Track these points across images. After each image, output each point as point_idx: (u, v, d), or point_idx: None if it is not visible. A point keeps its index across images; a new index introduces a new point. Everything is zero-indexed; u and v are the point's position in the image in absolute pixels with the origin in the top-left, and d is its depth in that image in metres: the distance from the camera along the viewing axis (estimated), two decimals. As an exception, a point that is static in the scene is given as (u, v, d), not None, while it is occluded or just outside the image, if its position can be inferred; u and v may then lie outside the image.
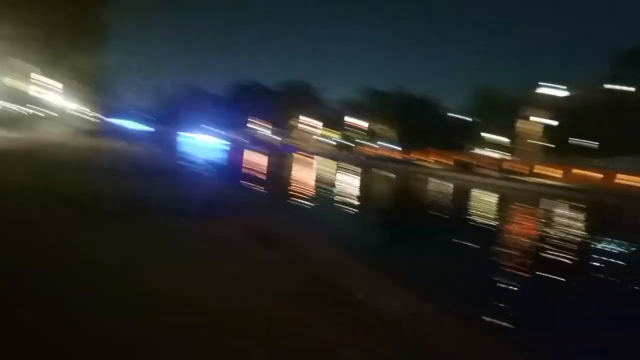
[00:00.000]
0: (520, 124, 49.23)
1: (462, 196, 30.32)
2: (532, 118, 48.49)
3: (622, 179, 45.23)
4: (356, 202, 19.37)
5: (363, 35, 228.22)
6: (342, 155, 68.29)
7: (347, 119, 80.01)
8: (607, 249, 13.16)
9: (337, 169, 41.52)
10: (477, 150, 66.17)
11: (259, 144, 74.67)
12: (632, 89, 38.72)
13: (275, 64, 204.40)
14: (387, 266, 6.45)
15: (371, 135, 74.86)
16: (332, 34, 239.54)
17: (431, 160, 59.16)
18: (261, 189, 19.37)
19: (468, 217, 17.63)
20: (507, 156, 55.86)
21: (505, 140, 58.73)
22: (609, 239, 14.63)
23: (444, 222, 16.26)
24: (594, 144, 40.43)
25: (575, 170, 47.60)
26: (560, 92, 48.41)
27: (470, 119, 61.03)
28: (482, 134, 60.14)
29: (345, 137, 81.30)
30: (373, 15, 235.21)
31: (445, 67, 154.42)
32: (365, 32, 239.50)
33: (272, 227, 7.53)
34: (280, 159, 47.93)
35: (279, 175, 30.06)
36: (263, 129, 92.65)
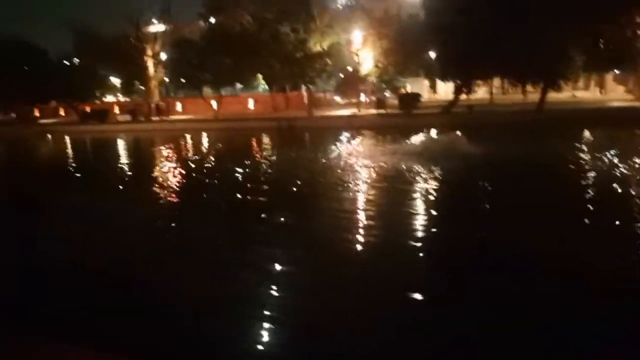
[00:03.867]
0: (148, 64, 47.41)
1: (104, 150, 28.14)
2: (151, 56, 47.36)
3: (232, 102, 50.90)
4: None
5: None
6: None
7: None
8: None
9: None
10: (109, 98, 61.39)
11: None
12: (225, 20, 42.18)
13: None
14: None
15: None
16: None
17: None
18: None
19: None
20: (139, 99, 53.90)
21: (121, 82, 56.22)
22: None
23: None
24: (208, 76, 43.04)
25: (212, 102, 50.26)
26: (163, 26, 48.59)
27: (78, 63, 54.64)
28: (111, 78, 55.58)
29: None
30: None
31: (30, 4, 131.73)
32: None
33: None
34: None
35: None
36: None
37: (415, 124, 26.84)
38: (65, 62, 51.56)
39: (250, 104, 50.50)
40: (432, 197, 10.32)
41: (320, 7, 40.95)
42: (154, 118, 44.25)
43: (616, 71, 42.67)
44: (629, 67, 33.49)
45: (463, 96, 31.50)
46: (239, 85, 56.39)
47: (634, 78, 35.23)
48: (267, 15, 41.13)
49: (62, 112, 58.62)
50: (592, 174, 11.89)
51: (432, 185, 11.41)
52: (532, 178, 11.91)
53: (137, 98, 57.01)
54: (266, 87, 52.94)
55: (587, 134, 19.97)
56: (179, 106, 52.45)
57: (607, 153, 14.19)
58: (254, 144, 25.45)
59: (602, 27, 23.64)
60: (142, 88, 55.22)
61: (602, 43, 26.31)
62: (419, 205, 9.80)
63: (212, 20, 44.09)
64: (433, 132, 19.84)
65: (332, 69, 44.95)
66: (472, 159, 13.97)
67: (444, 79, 31.27)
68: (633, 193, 9.79)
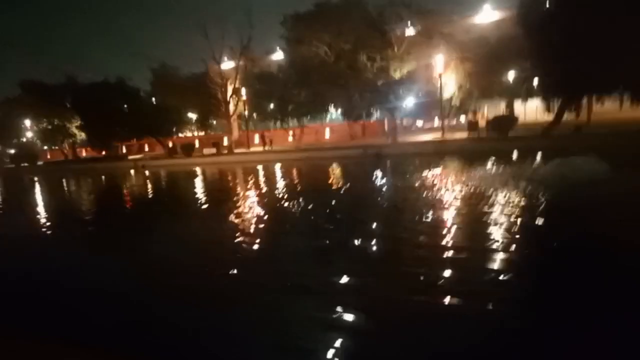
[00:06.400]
0: (229, 99, 49.52)
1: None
2: (229, 92, 49.27)
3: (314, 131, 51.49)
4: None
5: None
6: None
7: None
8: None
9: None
10: (188, 133, 64.57)
11: None
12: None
13: None
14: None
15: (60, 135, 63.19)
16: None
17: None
18: None
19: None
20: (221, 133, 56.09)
21: (197, 117, 58.87)
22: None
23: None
24: (291, 108, 44.14)
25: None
26: (242, 62, 50.33)
27: (156, 101, 57.81)
28: (189, 114, 58.60)
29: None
30: None
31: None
32: None
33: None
34: None
35: None
36: None
37: (515, 148, 25.76)
38: (152, 100, 54.80)
39: (327, 134, 51.02)
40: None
41: (397, 34, 41.12)
42: (267, 148, 44.69)
43: None
44: None
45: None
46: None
47: None
48: (344, 46, 41.77)
49: (146, 148, 61.87)
50: None
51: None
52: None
53: (212, 132, 59.32)
54: (334, 116, 53.48)
55: None
56: (256, 139, 53.87)
57: None
58: (361, 172, 24.96)
59: None
60: (215, 122, 57.73)
61: None
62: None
63: (290, 53, 45.38)
64: (555, 158, 18.54)
65: (411, 95, 44.68)
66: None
67: (547, 97, 29.55)
68: None
